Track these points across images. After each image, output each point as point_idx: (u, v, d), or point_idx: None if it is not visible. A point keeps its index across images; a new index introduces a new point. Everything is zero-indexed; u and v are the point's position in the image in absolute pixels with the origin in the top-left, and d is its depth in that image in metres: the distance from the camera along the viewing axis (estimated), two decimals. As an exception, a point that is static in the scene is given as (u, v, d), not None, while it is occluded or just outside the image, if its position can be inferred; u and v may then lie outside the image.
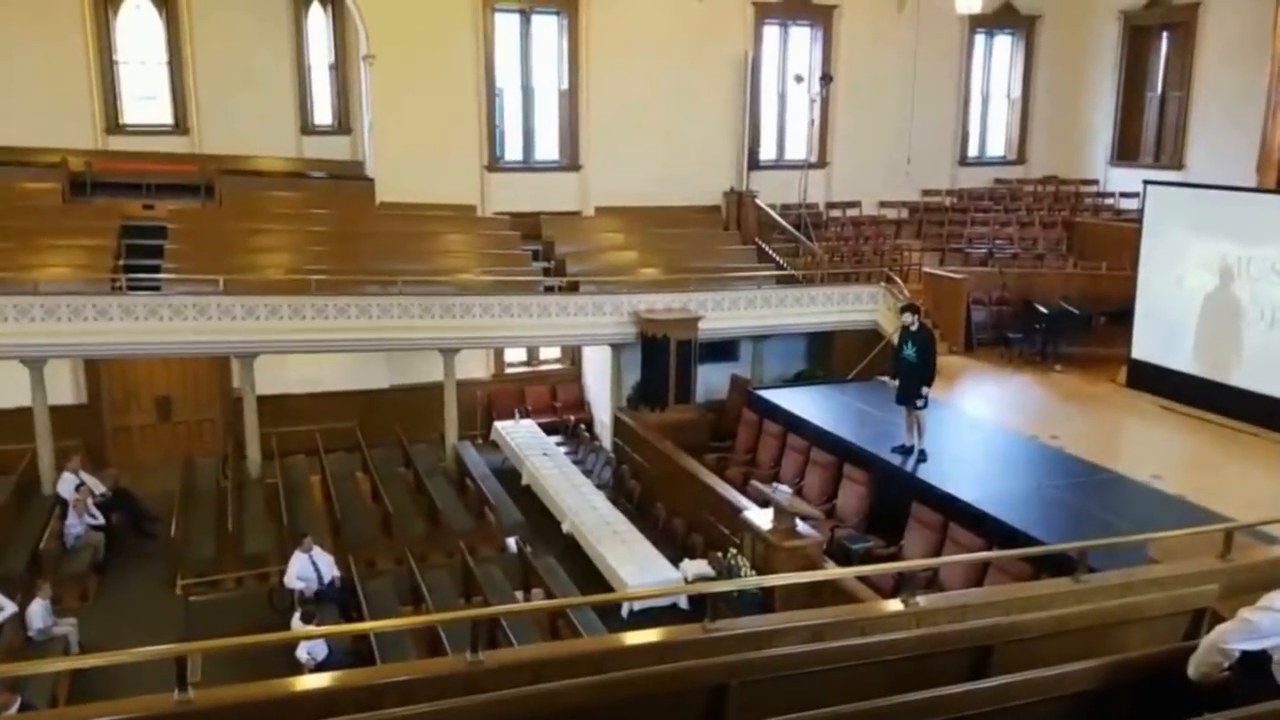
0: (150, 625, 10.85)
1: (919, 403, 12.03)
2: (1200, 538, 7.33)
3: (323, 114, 19.53)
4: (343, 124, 19.53)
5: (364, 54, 17.62)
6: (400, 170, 17.50)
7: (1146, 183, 15.56)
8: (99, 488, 14.03)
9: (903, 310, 12.64)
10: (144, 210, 16.56)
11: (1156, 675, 4.22)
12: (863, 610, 6.22)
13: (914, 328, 12.07)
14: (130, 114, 18.14)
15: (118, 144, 17.78)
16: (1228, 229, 13.74)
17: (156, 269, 14.92)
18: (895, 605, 5.98)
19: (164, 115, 18.21)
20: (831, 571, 9.31)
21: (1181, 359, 14.18)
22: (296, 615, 10.39)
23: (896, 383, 12.31)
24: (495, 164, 18.78)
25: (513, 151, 19.21)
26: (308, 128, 19.24)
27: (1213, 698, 3.87)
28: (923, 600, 6.01)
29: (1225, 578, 6.12)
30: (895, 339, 12.76)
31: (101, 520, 13.45)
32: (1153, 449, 12.92)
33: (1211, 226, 14.02)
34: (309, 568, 11.57)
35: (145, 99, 18.22)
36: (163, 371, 16.96)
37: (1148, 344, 14.74)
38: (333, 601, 11.37)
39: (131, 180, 16.98)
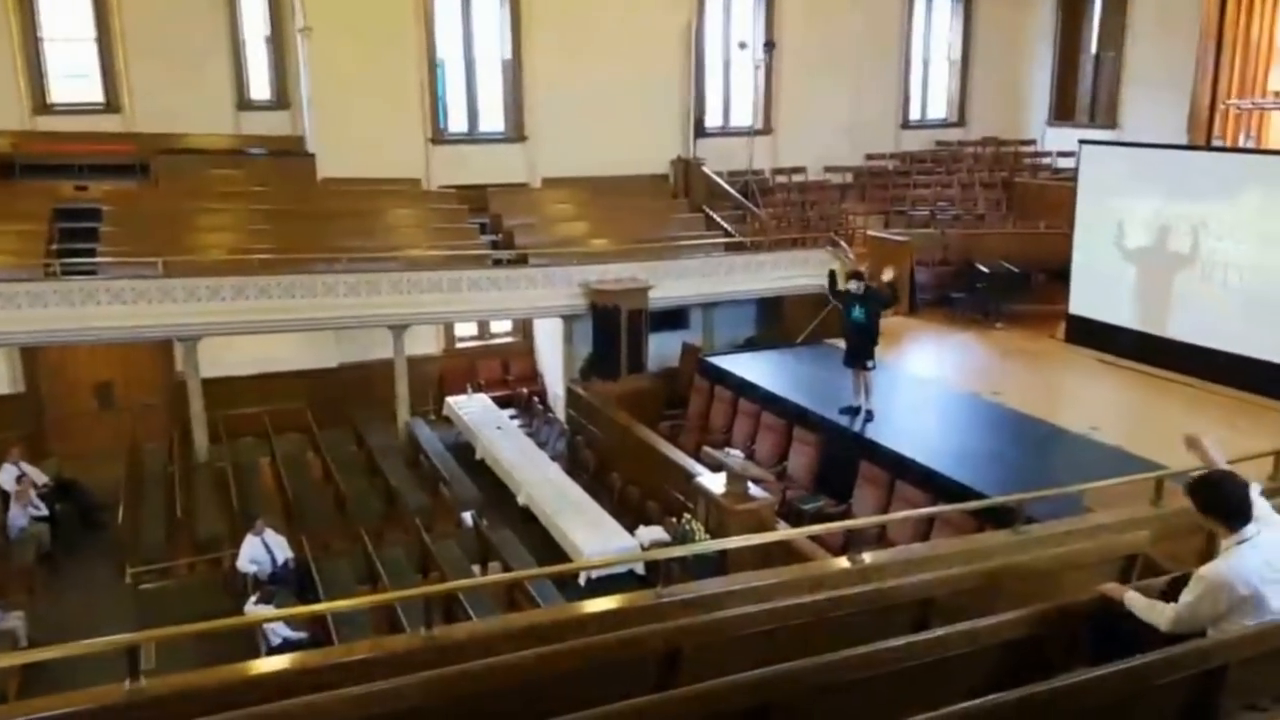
0: (100, 615, 10.69)
1: (869, 364, 12.26)
2: (1135, 486, 7.55)
3: (260, 89, 19.15)
4: (281, 99, 19.17)
5: (300, 26, 17.32)
6: (342, 145, 17.27)
7: (1082, 142, 15.82)
8: (41, 478, 13.76)
9: (849, 277, 12.87)
10: (77, 192, 16.20)
11: (1091, 620, 4.36)
12: (811, 569, 6.34)
13: (860, 292, 12.28)
14: (59, 93, 17.63)
15: (46, 124, 17.31)
16: (1160, 186, 14.03)
17: (92, 252, 14.63)
18: (842, 563, 6.13)
19: (94, 94, 17.75)
20: (782, 533, 9.46)
21: (1117, 314, 14.51)
22: (252, 599, 10.36)
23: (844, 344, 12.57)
24: (439, 136, 18.63)
25: (457, 123, 19.04)
26: (245, 103, 18.85)
27: (1145, 640, 4.01)
28: (869, 557, 6.16)
29: (1157, 524, 6.34)
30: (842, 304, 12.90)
31: (45, 511, 13.23)
32: (1090, 402, 13.22)
33: (1144, 184, 14.30)
34: (261, 551, 11.47)
35: (74, 77, 17.73)
36: (103, 357, 16.61)
37: (1085, 300, 15.05)
38: (287, 584, 11.31)
39: (62, 161, 16.58)
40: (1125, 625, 4.14)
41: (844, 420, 12.39)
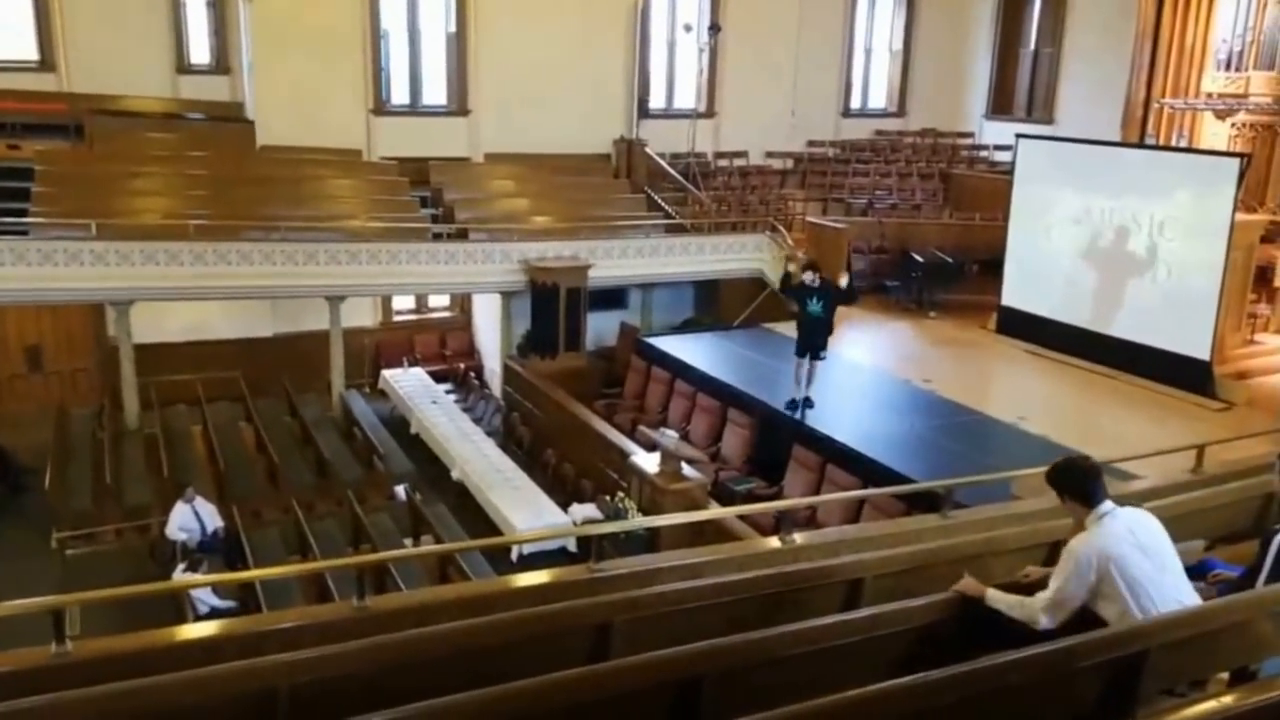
0: (24, 580, 10.41)
1: (822, 354, 12.22)
2: (1058, 475, 7.73)
3: (199, 53, 18.71)
4: (221, 63, 18.75)
5: (242, -10, 17.00)
6: (282, 112, 17.05)
7: (1018, 136, 16.11)
8: (-35, 441, 13.52)
9: (805, 268, 12.52)
10: (9, 151, 15.78)
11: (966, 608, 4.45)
12: (742, 548, 6.42)
13: (815, 284, 12.09)
14: (-11, 49, 17.15)
15: (-25, 81, 16.82)
16: (1093, 182, 14.33)
17: (24, 212, 14.23)
18: (773, 542, 6.20)
19: (28, 51, 17.23)
20: (713, 512, 9.56)
21: (1047, 306, 14.82)
22: (180, 567, 10.25)
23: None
24: (381, 107, 18.41)
25: (399, 95, 18.84)
26: (183, 67, 18.40)
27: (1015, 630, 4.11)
28: (799, 537, 6.24)
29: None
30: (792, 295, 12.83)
31: (-31, 474, 12.99)
32: (1019, 392, 13.53)
33: (1078, 179, 14.59)
34: (191, 518, 11.36)
35: (6, 32, 17.17)
36: (32, 319, 16.28)
37: (1016, 292, 15.34)
38: (217, 553, 11.20)
39: (-8, 119, 16.14)
40: (994, 615, 4.21)
41: (788, 412, 12.25)
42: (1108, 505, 4.08)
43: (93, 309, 16.07)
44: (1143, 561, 3.98)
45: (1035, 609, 4.06)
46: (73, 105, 16.71)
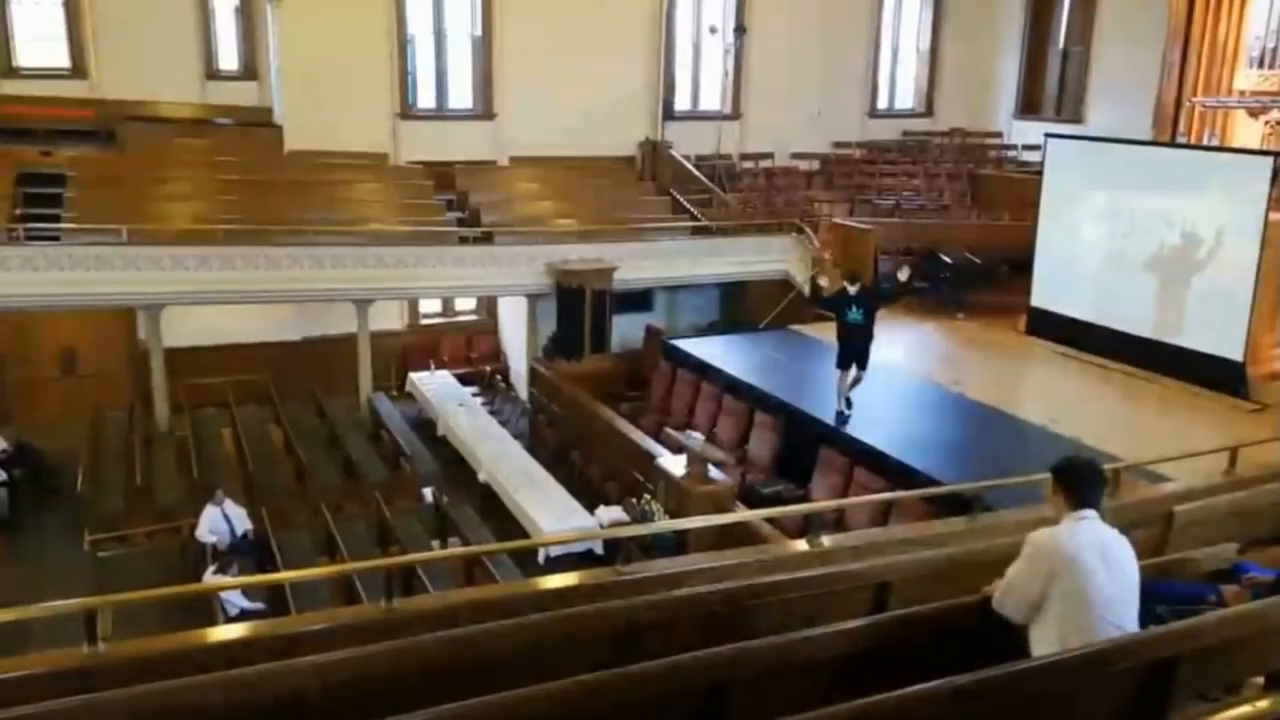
0: (58, 581, 10.63)
1: (864, 365, 11.89)
2: (1089, 478, 7.65)
3: (228, 59, 18.95)
4: (249, 69, 18.98)
5: (270, -3, 17.15)
6: (310, 117, 17.18)
7: (1047, 135, 15.99)
8: (0, 444, 13.66)
9: (846, 278, 12.26)
10: (42, 157, 15.98)
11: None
12: (770, 551, 6.41)
13: (854, 292, 11.83)
14: (24, 57, 17.37)
15: (12, 88, 17.03)
16: (1123, 181, 14.20)
17: (57, 218, 14.44)
18: (801, 545, 6.19)
19: (61, 59, 17.48)
20: (740, 514, 9.53)
21: (1077, 306, 14.68)
22: (210, 569, 10.33)
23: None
24: (408, 112, 18.51)
25: (425, 99, 18.93)
26: (212, 73, 18.64)
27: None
28: (827, 540, 6.23)
29: (1112, 515, 6.39)
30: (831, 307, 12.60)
31: (4, 476, 13.14)
32: (1049, 393, 13.39)
33: (1108, 178, 14.47)
34: (221, 521, 11.45)
35: (41, 41, 17.45)
36: (66, 324, 16.44)
37: (1046, 292, 15.20)
38: (246, 555, 11.28)
39: (27, 126, 16.34)
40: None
41: (835, 424, 11.95)
42: (1091, 513, 4.04)
43: (124, 313, 16.26)
44: (1104, 578, 3.92)
45: (994, 594, 4.10)
46: (104, 112, 16.94)
